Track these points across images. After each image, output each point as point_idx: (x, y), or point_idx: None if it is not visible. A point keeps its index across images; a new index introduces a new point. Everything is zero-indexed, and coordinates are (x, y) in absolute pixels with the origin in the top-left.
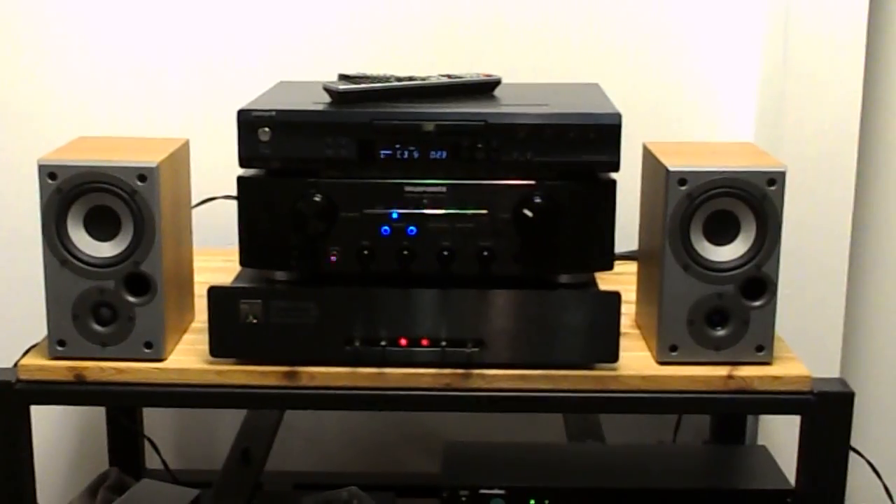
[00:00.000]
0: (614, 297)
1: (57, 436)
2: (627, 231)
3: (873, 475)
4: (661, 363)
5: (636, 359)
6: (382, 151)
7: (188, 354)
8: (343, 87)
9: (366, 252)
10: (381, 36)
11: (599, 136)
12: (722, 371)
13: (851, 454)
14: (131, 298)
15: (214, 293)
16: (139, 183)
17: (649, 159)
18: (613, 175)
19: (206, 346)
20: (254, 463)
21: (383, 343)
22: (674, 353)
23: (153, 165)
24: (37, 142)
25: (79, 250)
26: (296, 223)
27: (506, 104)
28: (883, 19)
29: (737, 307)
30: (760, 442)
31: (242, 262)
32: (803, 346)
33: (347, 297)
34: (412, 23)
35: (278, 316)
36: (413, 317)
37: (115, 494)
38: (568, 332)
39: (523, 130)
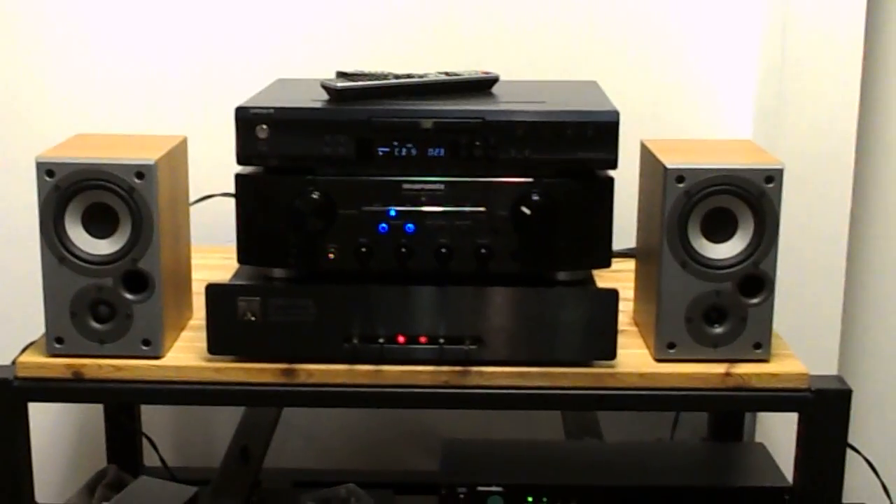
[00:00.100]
0: (612, 295)
1: (55, 433)
2: (625, 228)
3: (871, 472)
4: (659, 360)
5: (634, 356)
6: (380, 149)
7: (186, 352)
8: (341, 84)
9: (364, 249)
10: (380, 33)
11: (597, 133)
12: (719, 368)
13: (849, 451)
14: (129, 296)
15: (212, 290)
16: (137, 180)
17: (647, 157)
18: (611, 173)
19: (204, 344)
20: (252, 460)
21: (381, 340)
22: (671, 351)
23: (151, 163)
24: (34, 139)
25: (77, 248)
26: (294, 221)
27: (504, 102)
28: (881, 17)
29: (734, 304)
30: (758, 439)
31: (240, 260)
32: (801, 344)
33: (345, 294)
34: (410, 20)
35: (276, 313)
36: (411, 314)
37: (113, 492)
38: (566, 329)
39: (521, 128)
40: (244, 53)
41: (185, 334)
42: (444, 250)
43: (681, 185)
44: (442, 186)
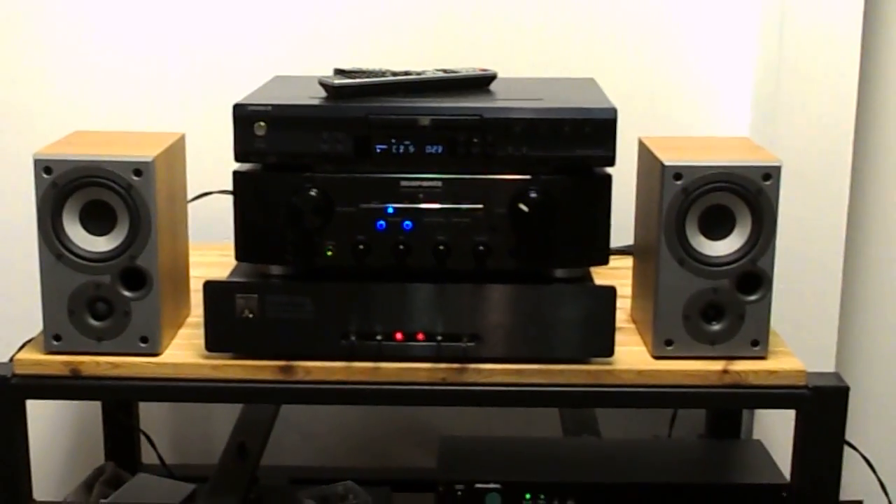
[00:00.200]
0: (610, 292)
1: (53, 430)
2: (623, 226)
3: (868, 469)
4: (657, 357)
5: (631, 353)
6: (378, 146)
7: (184, 349)
8: (339, 81)
9: (361, 247)
10: (377, 31)
11: (595, 130)
12: (717, 365)
13: (846, 448)
14: (127, 293)
15: (210, 288)
16: (135, 177)
17: (645, 154)
18: (609, 170)
19: (201, 341)
20: (250, 457)
21: (379, 337)
22: (669, 348)
23: (149, 160)
24: (32, 136)
25: (74, 245)
26: (291, 218)
27: (502, 99)
28: (879, 14)
29: (732, 302)
30: (756, 436)
31: (238, 257)
32: (798, 341)
33: (343, 291)
34: (408, 17)
35: (274, 310)
36: (409, 311)
37: (110, 489)
38: (563, 326)
39: (519, 125)
40: (242, 50)
41: (182, 331)
42: (441, 247)
43: (678, 183)
44: (440, 184)
